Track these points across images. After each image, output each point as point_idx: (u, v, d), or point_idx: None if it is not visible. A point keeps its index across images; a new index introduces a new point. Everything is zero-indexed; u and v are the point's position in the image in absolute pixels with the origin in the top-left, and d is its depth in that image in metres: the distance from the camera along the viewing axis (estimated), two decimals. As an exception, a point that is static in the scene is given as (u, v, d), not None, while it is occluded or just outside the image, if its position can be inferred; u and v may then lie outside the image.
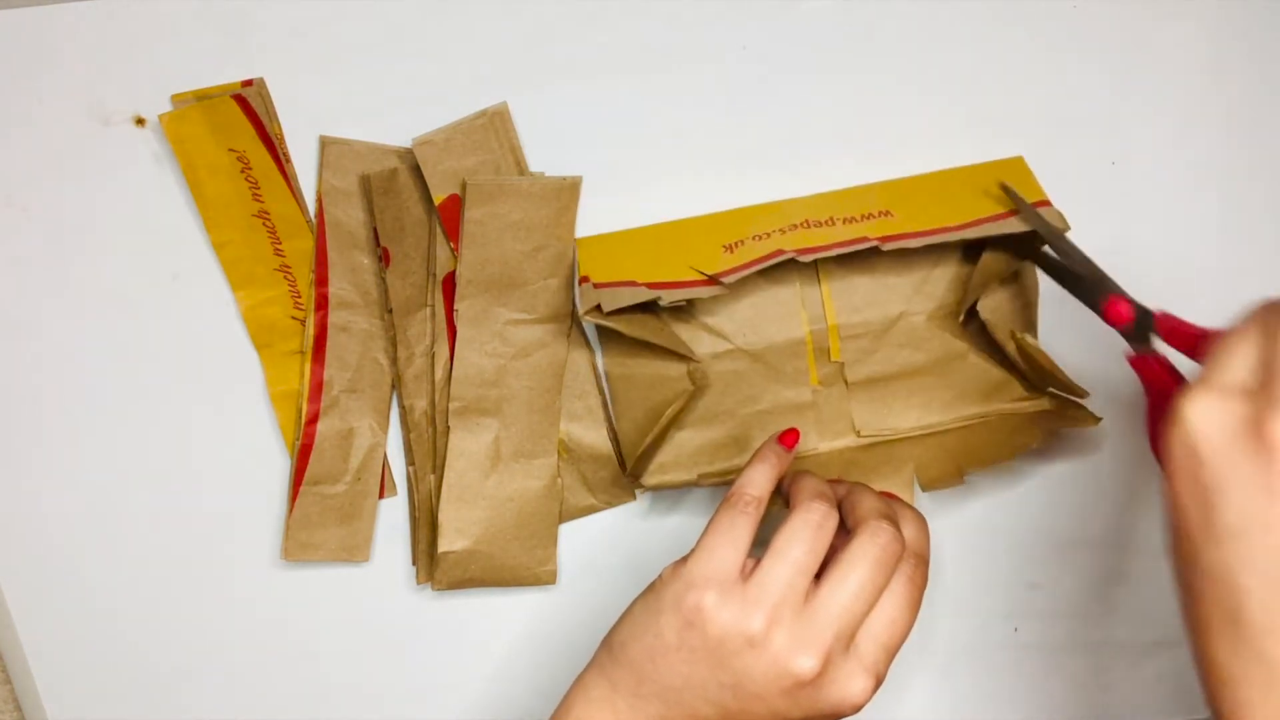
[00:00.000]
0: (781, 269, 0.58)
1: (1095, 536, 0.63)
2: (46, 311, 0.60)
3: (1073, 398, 0.58)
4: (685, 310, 0.60)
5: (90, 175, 0.60)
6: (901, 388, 0.60)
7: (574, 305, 0.60)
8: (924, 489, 0.59)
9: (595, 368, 0.61)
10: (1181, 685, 0.64)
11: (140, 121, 0.59)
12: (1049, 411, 0.59)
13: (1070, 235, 0.55)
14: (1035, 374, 0.58)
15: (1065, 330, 0.61)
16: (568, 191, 0.59)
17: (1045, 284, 0.59)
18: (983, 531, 0.63)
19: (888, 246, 0.56)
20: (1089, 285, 0.54)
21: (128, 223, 0.60)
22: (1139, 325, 0.52)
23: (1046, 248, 0.56)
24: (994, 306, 0.59)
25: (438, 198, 0.59)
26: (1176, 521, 0.41)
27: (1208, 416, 0.39)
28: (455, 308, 0.59)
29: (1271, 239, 0.62)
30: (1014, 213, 0.57)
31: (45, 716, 0.62)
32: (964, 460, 0.59)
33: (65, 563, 0.62)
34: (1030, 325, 0.60)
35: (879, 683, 0.48)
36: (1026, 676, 0.64)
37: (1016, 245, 0.58)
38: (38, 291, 0.60)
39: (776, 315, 0.60)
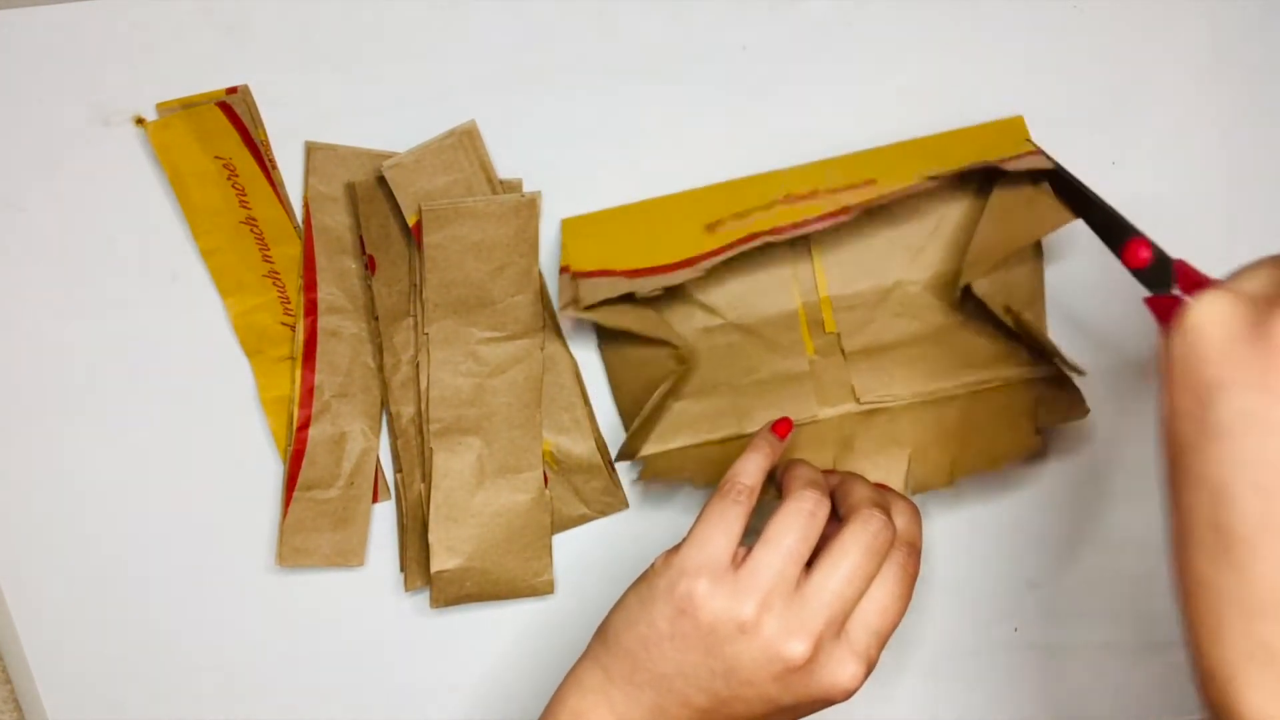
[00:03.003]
0: (770, 244, 0.57)
1: (1095, 536, 0.62)
2: (44, 312, 0.61)
3: (1070, 373, 0.57)
4: (675, 287, 0.58)
5: (90, 175, 0.60)
6: (901, 355, 0.59)
7: (545, 316, 0.60)
8: (913, 491, 0.59)
9: (580, 378, 0.61)
10: (1182, 686, 0.63)
11: (140, 121, 0.59)
12: (1042, 399, 0.58)
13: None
14: (1034, 347, 0.58)
15: (1072, 327, 0.60)
16: (526, 208, 0.59)
17: (1051, 280, 0.59)
18: (982, 531, 0.63)
19: (870, 205, 0.55)
20: (1110, 226, 0.52)
21: (127, 223, 0.60)
22: (1157, 270, 0.50)
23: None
24: (991, 281, 0.58)
25: (411, 219, 0.58)
26: (1170, 425, 0.39)
27: (1215, 314, 0.38)
28: (425, 331, 0.59)
29: (1273, 240, 0.61)
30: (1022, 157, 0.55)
31: (45, 717, 0.63)
32: (958, 452, 0.59)
33: (64, 564, 0.62)
34: (1031, 308, 0.59)
35: (870, 669, 0.49)
36: (1026, 676, 0.64)
37: (1022, 217, 0.56)
38: (36, 292, 0.60)
39: (768, 290, 0.60)
